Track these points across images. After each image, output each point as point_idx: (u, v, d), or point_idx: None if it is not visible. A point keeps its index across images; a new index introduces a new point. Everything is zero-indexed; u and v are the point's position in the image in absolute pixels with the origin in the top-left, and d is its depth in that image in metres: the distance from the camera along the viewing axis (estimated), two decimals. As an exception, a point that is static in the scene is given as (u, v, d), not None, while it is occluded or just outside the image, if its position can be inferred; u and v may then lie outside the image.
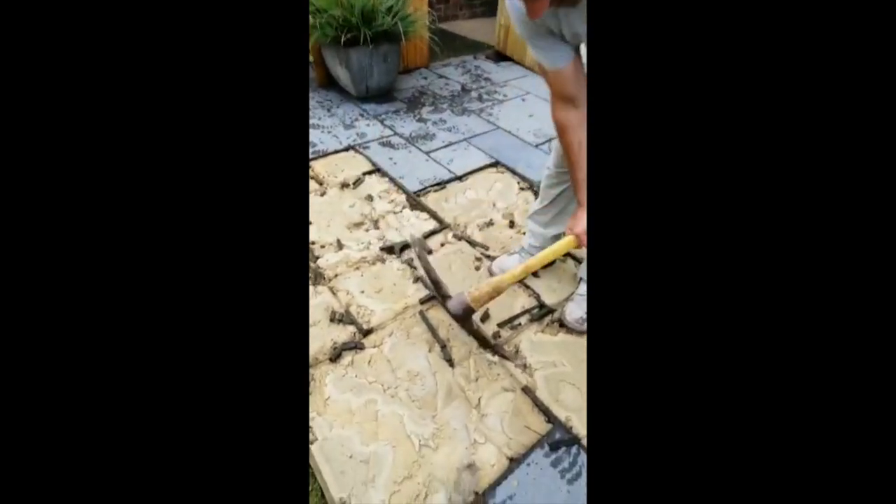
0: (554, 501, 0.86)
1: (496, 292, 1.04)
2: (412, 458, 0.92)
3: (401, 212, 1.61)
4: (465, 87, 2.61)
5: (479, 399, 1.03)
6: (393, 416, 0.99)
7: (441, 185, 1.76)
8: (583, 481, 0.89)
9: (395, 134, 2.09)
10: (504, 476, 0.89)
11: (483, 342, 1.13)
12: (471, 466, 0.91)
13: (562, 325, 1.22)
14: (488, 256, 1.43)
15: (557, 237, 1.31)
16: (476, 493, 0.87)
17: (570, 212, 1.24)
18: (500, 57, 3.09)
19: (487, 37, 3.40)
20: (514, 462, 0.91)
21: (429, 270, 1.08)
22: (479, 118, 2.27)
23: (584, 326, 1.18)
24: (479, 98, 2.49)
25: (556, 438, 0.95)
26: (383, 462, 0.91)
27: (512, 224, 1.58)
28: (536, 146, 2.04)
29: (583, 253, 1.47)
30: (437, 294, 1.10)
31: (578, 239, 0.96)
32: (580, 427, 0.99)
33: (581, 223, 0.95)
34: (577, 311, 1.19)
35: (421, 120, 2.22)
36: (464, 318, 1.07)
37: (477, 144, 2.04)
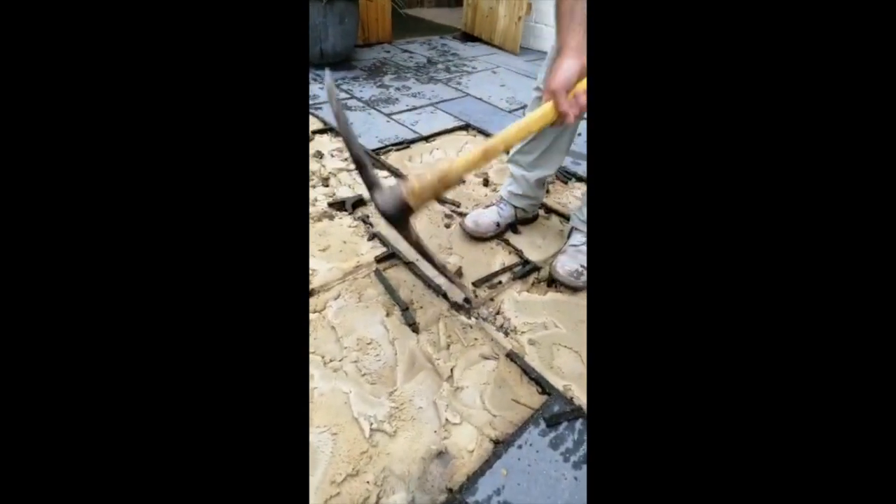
0: (558, 493, 0.62)
1: (443, 185, 0.72)
2: (360, 448, 0.66)
3: (355, 169, 1.36)
4: (432, 60, 2.43)
5: (452, 370, 0.79)
6: (334, 395, 0.73)
7: (404, 143, 1.54)
8: (594, 464, 0.66)
9: (353, 97, 1.86)
10: (488, 464, 0.65)
11: (430, 260, 0.81)
12: (441, 455, 0.66)
13: (551, 283, 1.01)
14: (460, 214, 1.21)
15: (542, 182, 1.11)
16: (449, 490, 0.62)
17: (561, 149, 1.04)
18: (467, 38, 2.95)
19: (454, 22, 3.26)
20: (501, 445, 0.67)
21: (342, 122, 0.73)
22: (447, 86, 2.08)
23: (581, 281, 0.97)
24: (447, 69, 2.31)
25: (555, 411, 0.72)
26: (318, 456, 0.64)
27: (486, 182, 1.38)
28: (511, 111, 1.86)
29: (569, 209, 1.28)
30: (360, 173, 0.76)
31: (556, 99, 0.65)
32: (583, 397, 0.76)
33: (559, 75, 0.64)
34: (570, 263, 0.98)
35: (382, 86, 2.00)
36: (398, 219, 0.75)
37: (445, 109, 1.84)
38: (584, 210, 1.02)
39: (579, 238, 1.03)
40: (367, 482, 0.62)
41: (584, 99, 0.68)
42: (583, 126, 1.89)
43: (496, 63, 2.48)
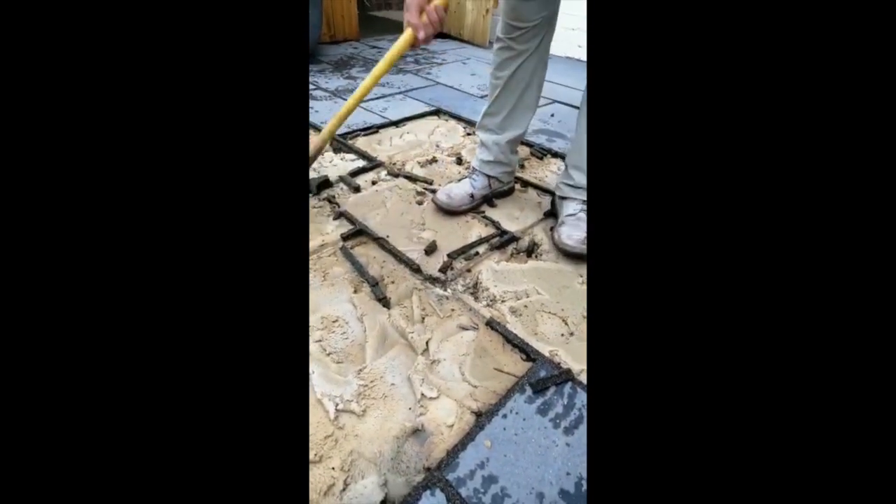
0: (549, 461, 0.55)
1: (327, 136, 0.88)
2: (324, 431, 0.58)
3: (321, 154, 1.29)
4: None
5: (427, 343, 0.72)
6: (295, 376, 0.65)
7: (373, 129, 1.47)
8: (585, 429, 0.59)
9: (318, 88, 1.80)
10: (470, 437, 0.57)
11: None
12: (417, 433, 0.59)
13: (530, 253, 0.95)
14: (433, 191, 1.15)
15: (514, 144, 1.06)
16: (427, 469, 0.55)
17: (528, 104, 0.99)
18: (437, 35, 2.93)
19: (422, 19, 3.24)
20: (484, 417, 0.60)
21: None
22: (417, 76, 2.04)
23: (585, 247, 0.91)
24: (416, 62, 2.27)
25: (541, 376, 0.66)
26: (275, 443, 0.56)
27: (459, 160, 1.32)
28: (482, 97, 1.83)
29: (546, 182, 1.23)
30: None
31: (408, 17, 0.74)
32: (571, 361, 0.70)
33: None
34: (575, 232, 0.92)
35: (350, 78, 1.94)
36: None
37: (415, 96, 1.79)
38: (574, 175, 0.96)
39: (574, 206, 0.97)
40: (332, 468, 0.54)
41: (434, 15, 0.77)
42: (555, 108, 1.86)
43: (466, 55, 2.46)
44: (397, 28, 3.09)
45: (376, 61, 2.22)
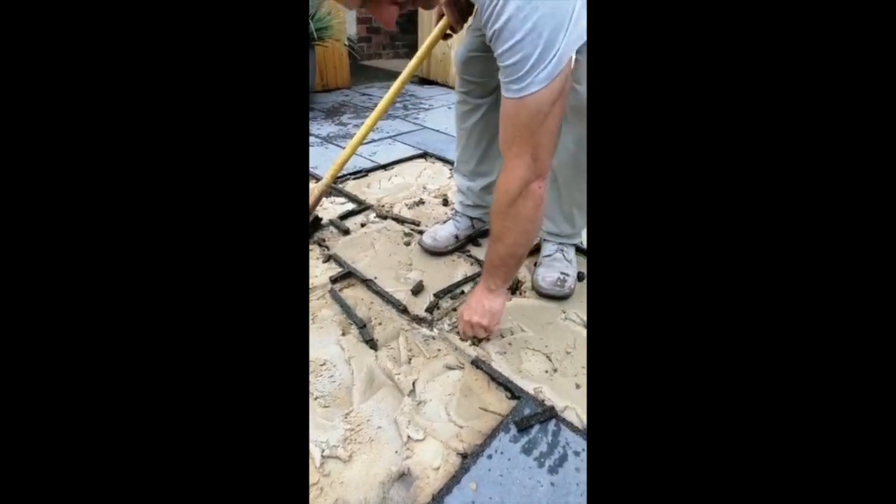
0: (534, 502, 0.56)
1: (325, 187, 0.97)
2: (310, 479, 0.58)
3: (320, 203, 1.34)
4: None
5: (414, 383, 0.73)
6: (282, 422, 0.65)
7: (362, 172, 1.54)
8: (570, 466, 0.60)
9: (311, 135, 1.88)
10: (455, 480, 0.58)
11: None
12: (403, 477, 0.59)
13: (514, 290, 0.98)
14: (420, 232, 1.19)
15: (489, 189, 1.11)
16: (412, 515, 0.55)
17: (496, 153, 1.05)
18: (424, 82, 3.10)
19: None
20: (469, 458, 0.61)
21: None
22: (405, 121, 2.14)
23: (566, 288, 0.94)
24: (405, 108, 2.39)
25: (526, 414, 0.67)
26: (260, 492, 0.56)
27: (445, 202, 1.37)
28: (466, 139, 1.92)
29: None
30: None
31: (463, 326, 0.80)
32: (556, 398, 0.71)
33: (473, 307, 0.77)
34: (550, 273, 0.96)
35: (340, 124, 2.04)
36: None
37: (403, 140, 1.88)
38: (546, 223, 1.01)
39: (550, 248, 1.01)
40: (318, 516, 0.54)
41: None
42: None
43: (452, 101, 2.58)
44: (387, 76, 3.26)
45: (367, 107, 2.34)
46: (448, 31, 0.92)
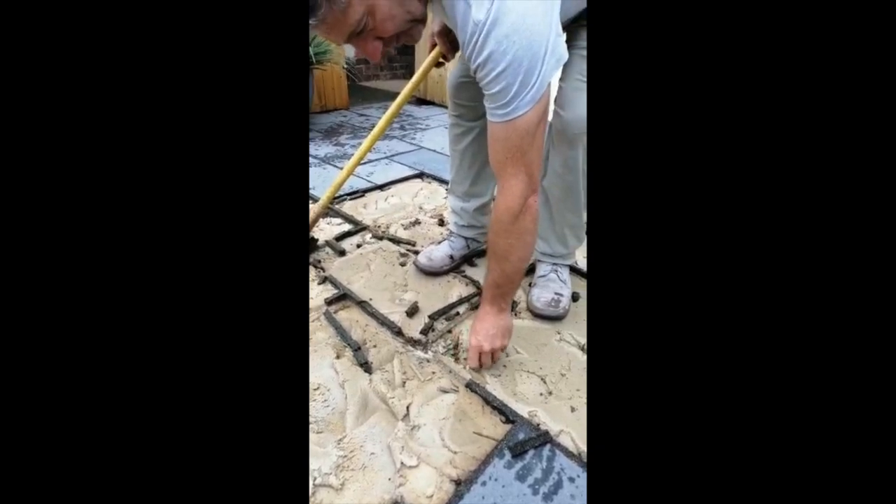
0: (528, 533, 0.55)
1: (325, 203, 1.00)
2: (301, 507, 0.57)
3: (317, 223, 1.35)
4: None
5: (408, 407, 0.73)
6: (274, 449, 0.64)
7: (359, 193, 1.55)
8: (565, 493, 0.59)
9: (310, 156, 1.91)
10: (448, 508, 0.57)
11: None
12: (397, 505, 0.58)
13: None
14: (416, 252, 1.20)
15: (482, 210, 1.12)
16: (405, 546, 0.54)
17: (489, 175, 1.08)
18: (421, 102, 3.16)
19: (408, 88, 3.50)
20: (463, 485, 0.60)
21: None
22: (402, 141, 2.18)
23: (561, 308, 0.95)
24: (402, 128, 2.43)
25: (520, 439, 0.66)
26: (250, 523, 0.55)
27: (441, 222, 1.39)
28: (462, 159, 1.95)
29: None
30: None
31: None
32: (550, 422, 0.71)
33: (491, 333, 0.76)
34: (544, 294, 0.96)
35: (338, 145, 2.07)
36: None
37: (399, 161, 1.90)
38: (540, 244, 1.02)
39: (545, 268, 1.02)
40: (309, 548, 0.53)
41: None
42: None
43: (448, 121, 2.64)
44: (385, 96, 3.32)
45: (364, 128, 2.38)
46: (440, 60, 0.95)
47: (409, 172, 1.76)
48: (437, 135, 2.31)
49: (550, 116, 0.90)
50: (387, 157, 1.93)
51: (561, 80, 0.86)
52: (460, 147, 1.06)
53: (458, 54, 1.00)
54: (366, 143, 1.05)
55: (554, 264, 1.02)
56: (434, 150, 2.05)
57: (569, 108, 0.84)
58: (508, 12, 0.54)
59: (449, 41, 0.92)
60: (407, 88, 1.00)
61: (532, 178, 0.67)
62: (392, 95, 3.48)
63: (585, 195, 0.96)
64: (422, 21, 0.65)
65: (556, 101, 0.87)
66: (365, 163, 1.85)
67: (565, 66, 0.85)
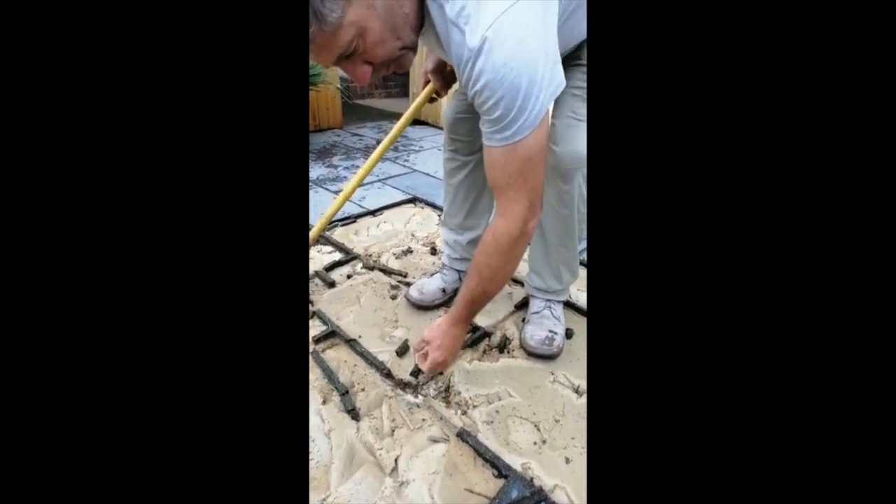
0: None
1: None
2: (280, 580, 0.53)
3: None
4: (380, 142, 2.56)
5: (396, 460, 0.70)
6: (253, 511, 0.61)
7: (351, 219, 1.53)
8: (560, 562, 0.56)
9: (301, 178, 1.89)
10: (437, 580, 0.54)
11: None
12: (383, 575, 0.55)
13: (502, 349, 0.96)
14: (407, 284, 1.18)
15: (475, 243, 1.11)
16: None
17: (484, 209, 1.06)
18: (415, 122, 3.18)
19: (404, 110, 3.52)
20: (453, 551, 0.57)
21: None
22: (395, 164, 2.17)
23: (555, 346, 0.93)
24: (395, 149, 2.43)
25: (514, 498, 0.63)
26: None
27: (434, 251, 1.37)
28: (455, 183, 1.95)
29: (520, 270, 1.27)
30: None
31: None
32: (544, 476, 0.68)
33: (449, 347, 0.78)
34: (538, 331, 0.95)
35: (331, 166, 2.06)
36: None
37: (393, 184, 1.89)
38: (534, 279, 1.01)
39: (538, 304, 1.01)
40: None
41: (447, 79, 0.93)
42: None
43: (442, 142, 2.65)
44: (380, 115, 3.34)
45: (357, 148, 2.38)
46: (434, 96, 0.95)
47: (402, 197, 1.75)
48: (430, 157, 2.31)
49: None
50: (380, 181, 1.92)
51: (554, 117, 0.86)
52: (455, 181, 1.06)
53: (452, 90, 1.00)
54: (356, 177, 1.03)
55: (548, 300, 1.01)
56: (427, 174, 2.05)
57: (562, 143, 0.84)
58: (504, 39, 0.53)
59: (443, 78, 0.92)
60: (399, 125, 1.00)
61: (533, 204, 0.66)
62: (386, 115, 3.51)
63: (579, 231, 0.96)
64: (412, 49, 0.64)
65: (549, 137, 0.87)
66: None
67: (557, 103, 0.85)
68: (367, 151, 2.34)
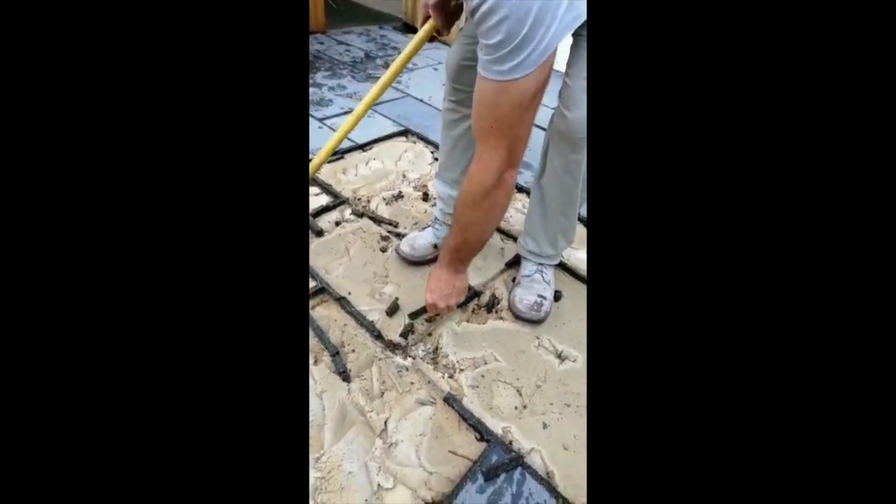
0: (494, 560, 0.60)
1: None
2: (280, 532, 0.60)
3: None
4: (370, 55, 2.29)
5: (386, 422, 0.74)
6: (252, 470, 0.65)
7: (338, 155, 1.43)
8: (531, 520, 0.64)
9: (281, 99, 1.71)
10: (422, 535, 0.61)
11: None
12: (373, 527, 0.61)
13: (490, 308, 0.98)
14: (398, 234, 1.14)
15: None
16: (380, 572, 0.58)
17: None
18: (408, 28, 2.82)
19: (394, 10, 3.10)
20: (437, 508, 0.64)
21: None
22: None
23: (542, 312, 0.94)
24: (386, 65, 2.19)
25: (493, 463, 0.70)
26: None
27: (426, 196, 1.31)
28: (451, 114, 1.80)
29: (510, 224, 1.25)
30: None
31: (433, 309, 0.82)
32: (522, 440, 0.74)
33: (446, 292, 0.79)
34: (527, 295, 0.95)
35: (315, 85, 1.86)
36: None
37: (383, 112, 1.74)
38: (528, 242, 0.99)
39: (530, 267, 1.00)
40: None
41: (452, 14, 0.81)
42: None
43: (437, 59, 2.38)
44: (367, 17, 2.94)
45: (344, 63, 2.14)
46: (434, 35, 0.82)
47: (394, 128, 1.63)
48: (424, 79, 2.10)
49: (552, 115, 0.82)
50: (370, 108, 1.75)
51: (567, 76, 0.76)
52: (454, 133, 0.97)
53: (455, 29, 0.86)
54: (343, 128, 0.93)
55: (540, 264, 1.00)
56: (421, 100, 1.88)
57: (575, 108, 0.76)
58: None
59: (445, 14, 0.79)
60: (396, 64, 0.87)
61: (513, 154, 0.63)
62: (375, 14, 3.09)
63: (581, 200, 0.92)
64: None
65: (560, 98, 0.78)
66: (344, 113, 1.69)
67: (574, 61, 0.75)
68: (354, 67, 2.10)
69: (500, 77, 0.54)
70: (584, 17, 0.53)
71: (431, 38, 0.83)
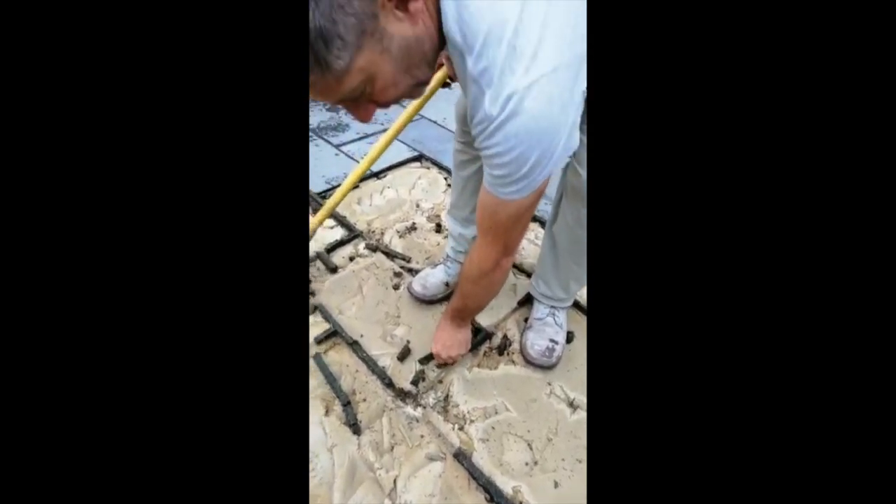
0: None
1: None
2: None
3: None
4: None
5: (395, 479, 0.74)
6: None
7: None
8: None
9: (298, 125, 1.74)
10: None
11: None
12: None
13: (502, 352, 0.97)
14: (410, 270, 1.14)
15: None
16: None
17: None
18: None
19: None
20: (444, 577, 0.63)
21: None
22: (401, 107, 1.97)
23: (554, 357, 0.93)
24: (401, 85, 2.20)
25: (502, 529, 0.69)
26: None
27: (439, 228, 1.31)
28: (466, 136, 1.79)
29: (522, 256, 1.24)
30: None
31: (439, 359, 0.89)
32: (532, 500, 0.73)
33: (448, 343, 0.87)
34: (539, 340, 0.94)
35: (332, 109, 1.88)
36: None
37: (398, 137, 1.74)
38: (540, 285, 0.97)
39: (542, 310, 0.98)
40: None
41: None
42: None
43: (453, 86, 2.38)
44: None
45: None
46: (447, 81, 0.83)
47: (408, 153, 1.63)
48: (439, 99, 2.08)
49: (566, 169, 0.81)
50: (384, 130, 1.76)
51: (582, 132, 0.75)
52: (463, 174, 0.97)
53: None
54: (359, 169, 0.95)
55: (552, 307, 0.98)
56: (435, 122, 1.87)
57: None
58: (525, 113, 0.49)
59: None
60: (409, 110, 0.87)
61: (508, 249, 0.69)
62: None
63: None
64: (426, 84, 0.55)
65: (576, 156, 0.76)
66: (360, 137, 1.70)
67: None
68: (370, 87, 2.11)
69: (500, 196, 0.59)
70: (576, 146, 0.56)
71: (444, 84, 0.83)
